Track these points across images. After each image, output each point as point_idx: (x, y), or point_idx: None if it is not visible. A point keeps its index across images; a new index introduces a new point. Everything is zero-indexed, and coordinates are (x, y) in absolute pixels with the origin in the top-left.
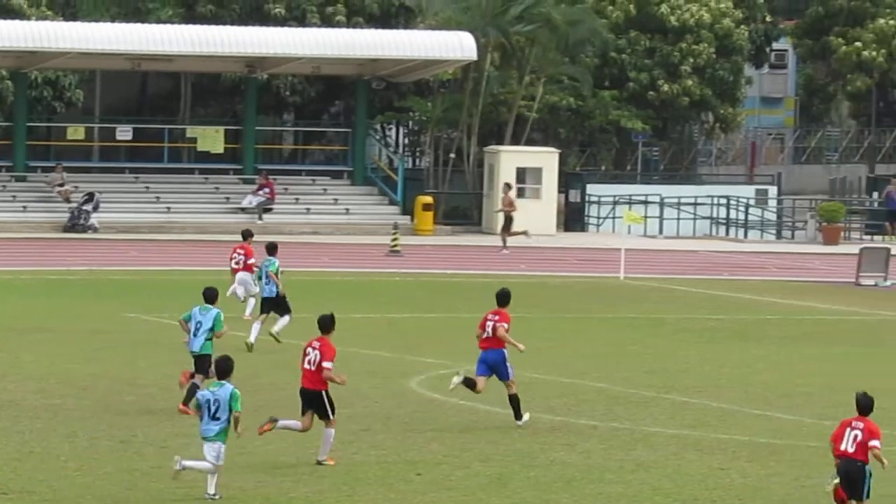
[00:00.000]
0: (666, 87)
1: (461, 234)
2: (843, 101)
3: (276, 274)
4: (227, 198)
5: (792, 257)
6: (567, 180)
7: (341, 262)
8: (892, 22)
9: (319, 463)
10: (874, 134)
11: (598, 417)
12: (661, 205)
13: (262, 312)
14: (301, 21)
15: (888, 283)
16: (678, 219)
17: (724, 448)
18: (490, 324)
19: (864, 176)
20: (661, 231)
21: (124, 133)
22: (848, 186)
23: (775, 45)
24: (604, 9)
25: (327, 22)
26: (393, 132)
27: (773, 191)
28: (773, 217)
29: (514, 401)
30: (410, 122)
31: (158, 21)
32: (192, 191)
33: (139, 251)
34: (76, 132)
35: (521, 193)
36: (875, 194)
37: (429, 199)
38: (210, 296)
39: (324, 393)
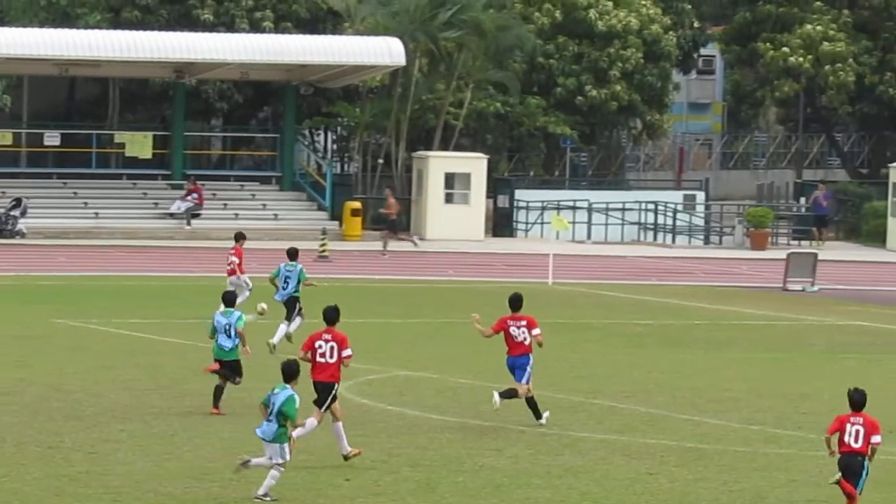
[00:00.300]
0: (594, 93)
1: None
2: (771, 107)
3: (299, 281)
4: (156, 203)
5: (719, 262)
6: (495, 186)
7: (270, 267)
8: (819, 28)
9: (346, 458)
10: (801, 139)
11: (527, 422)
12: (590, 210)
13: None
14: (230, 27)
15: (815, 288)
16: (606, 224)
17: (651, 453)
18: (522, 330)
19: (791, 181)
20: (589, 236)
21: (52, 138)
22: (775, 192)
23: (703, 51)
24: (531, 14)
25: (256, 27)
26: (321, 138)
27: (700, 196)
28: (701, 222)
29: (532, 402)
30: (339, 128)
31: (86, 26)
32: (120, 196)
33: (67, 257)
34: (4, 138)
35: (449, 199)
36: (802, 199)
37: (357, 205)
38: (229, 299)
39: (337, 385)
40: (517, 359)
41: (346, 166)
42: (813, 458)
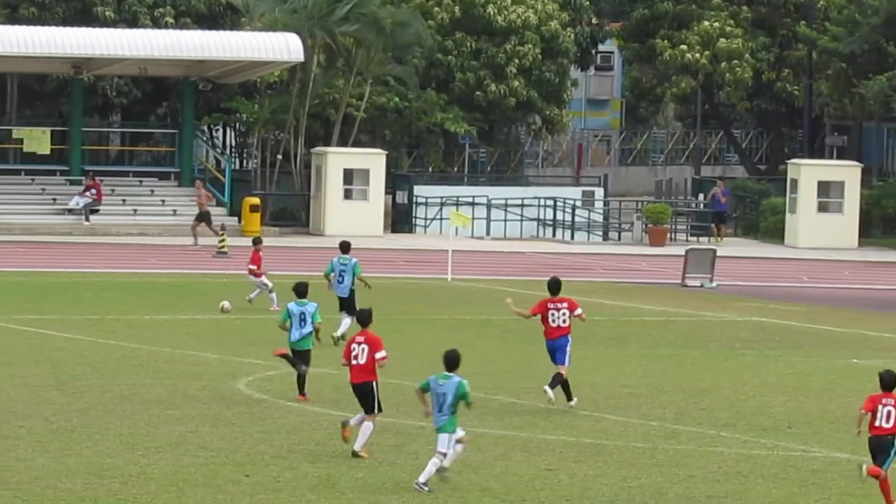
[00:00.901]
0: (492, 88)
1: (288, 236)
2: (669, 103)
3: (354, 274)
4: (54, 199)
5: (618, 259)
6: (394, 182)
7: (169, 263)
8: (716, 24)
9: (355, 454)
10: (700, 136)
11: (425, 419)
12: (489, 206)
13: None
14: (132, 23)
15: (714, 284)
16: (505, 220)
17: (551, 449)
18: (563, 312)
19: (689, 177)
20: (488, 232)
21: None
22: (674, 188)
23: (601, 48)
24: (430, 9)
25: (157, 24)
26: (220, 133)
27: (599, 192)
28: (600, 218)
29: (565, 384)
30: (237, 124)
31: None
32: (18, 192)
33: None
34: None
35: (348, 195)
36: (701, 196)
37: (256, 201)
38: (302, 290)
39: (374, 383)
40: (556, 341)
41: (245, 162)
42: (712, 453)
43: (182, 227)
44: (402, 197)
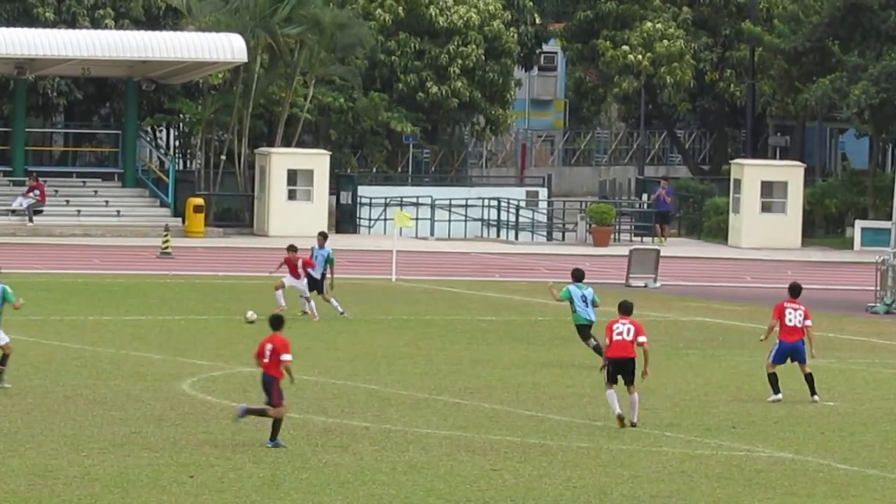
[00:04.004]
0: (435, 89)
1: (232, 236)
2: (612, 104)
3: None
4: None
5: (562, 259)
6: (338, 182)
7: (112, 264)
8: (658, 25)
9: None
10: (643, 136)
11: (370, 419)
12: (433, 207)
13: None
14: (71, 24)
15: (658, 284)
16: (449, 221)
17: (496, 449)
18: (799, 314)
19: (633, 177)
20: (432, 233)
21: None
22: (617, 188)
23: (545, 48)
24: (373, 10)
25: (97, 25)
26: (163, 134)
27: (543, 193)
28: (544, 219)
29: (811, 379)
30: (181, 124)
31: None
32: None
33: None
34: None
35: (292, 196)
36: (644, 196)
37: (200, 201)
38: (579, 275)
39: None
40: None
41: (188, 163)
42: (656, 453)
43: (125, 227)
44: (346, 197)
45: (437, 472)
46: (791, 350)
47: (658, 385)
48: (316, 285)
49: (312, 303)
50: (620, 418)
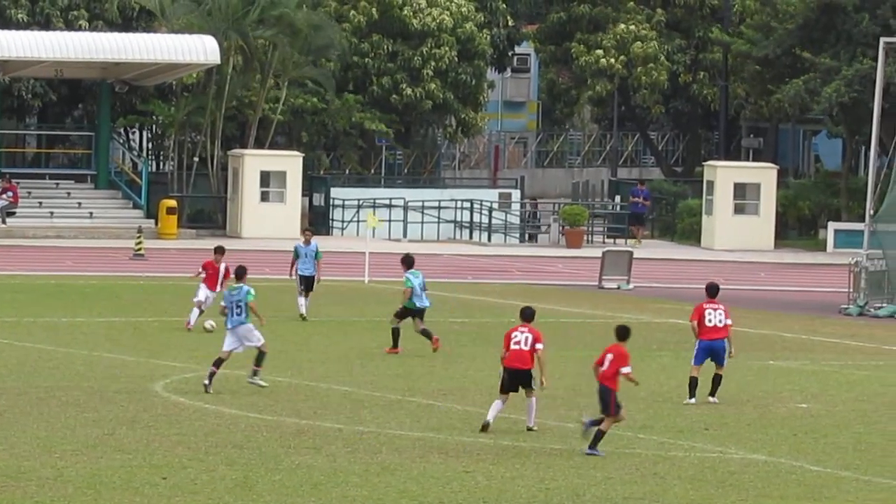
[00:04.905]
0: (409, 91)
1: (205, 238)
2: (585, 106)
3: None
4: None
5: (535, 260)
6: (311, 184)
7: (85, 266)
8: (632, 27)
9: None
10: (616, 138)
11: (343, 421)
12: (405, 208)
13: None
14: (45, 26)
15: (631, 285)
16: (422, 222)
17: (468, 451)
18: (719, 314)
19: (606, 179)
20: (405, 234)
21: None
22: (591, 190)
23: (518, 50)
24: (347, 12)
25: (71, 26)
26: (136, 136)
27: (516, 194)
28: (517, 220)
29: (718, 380)
30: (154, 126)
31: None
32: None
33: None
34: None
35: (265, 197)
36: (617, 198)
37: (173, 203)
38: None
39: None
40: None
41: (161, 164)
42: (630, 455)
43: (98, 229)
44: (318, 199)
45: (409, 474)
46: (709, 348)
47: (631, 387)
48: (309, 284)
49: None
50: (485, 426)
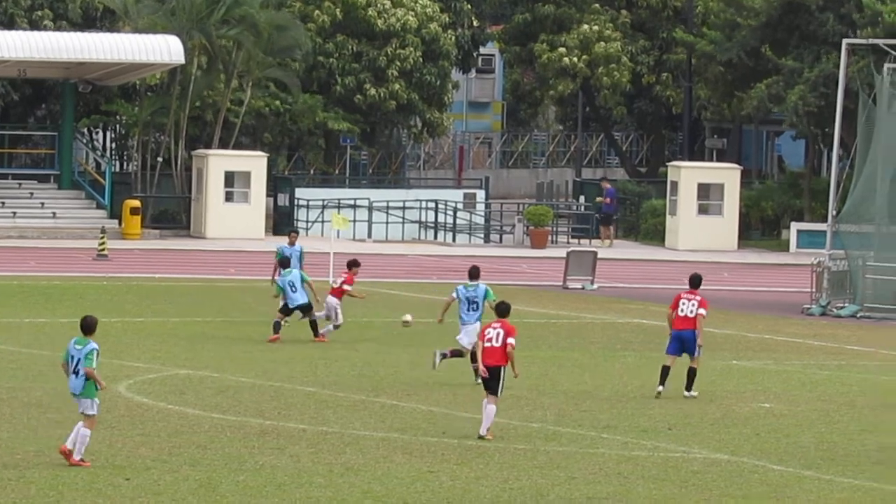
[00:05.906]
0: (373, 91)
1: (169, 238)
2: (550, 106)
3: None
4: None
5: (500, 261)
6: (276, 184)
7: (48, 266)
8: (595, 27)
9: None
10: (580, 138)
11: (308, 421)
12: (370, 209)
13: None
14: (9, 26)
15: (595, 286)
16: (387, 223)
17: (433, 451)
18: (692, 304)
19: (570, 180)
20: (370, 235)
21: None
22: (555, 190)
23: (483, 50)
24: (311, 13)
25: (35, 26)
26: (100, 136)
27: (480, 195)
28: (482, 221)
29: (692, 374)
30: (117, 126)
31: None
32: None
33: None
34: None
35: (229, 198)
36: (582, 198)
37: (136, 203)
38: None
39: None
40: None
41: (125, 165)
42: (592, 455)
43: (61, 230)
44: (283, 199)
45: (373, 474)
46: (679, 338)
47: (595, 387)
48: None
49: None
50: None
